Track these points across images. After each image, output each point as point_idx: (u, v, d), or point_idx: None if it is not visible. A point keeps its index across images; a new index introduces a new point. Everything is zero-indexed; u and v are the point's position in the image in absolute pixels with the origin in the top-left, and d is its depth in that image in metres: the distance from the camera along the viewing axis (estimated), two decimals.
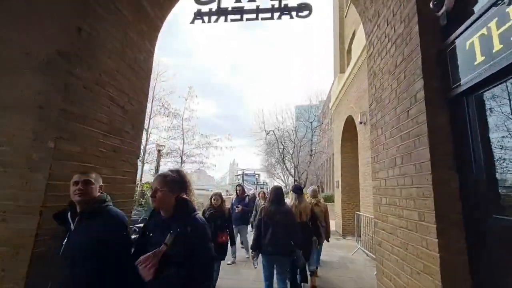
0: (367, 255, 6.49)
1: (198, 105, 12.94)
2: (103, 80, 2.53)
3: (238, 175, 43.25)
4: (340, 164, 10.05)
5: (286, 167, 25.89)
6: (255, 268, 3.67)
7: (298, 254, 3.25)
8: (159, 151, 15.47)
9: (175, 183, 1.67)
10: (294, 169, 23.52)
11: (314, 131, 24.85)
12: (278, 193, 3.44)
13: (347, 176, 9.82)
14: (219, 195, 4.14)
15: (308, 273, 4.17)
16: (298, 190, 4.07)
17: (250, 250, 3.43)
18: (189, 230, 1.56)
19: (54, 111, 2.05)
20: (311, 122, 24.54)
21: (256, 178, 50.90)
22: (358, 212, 7.29)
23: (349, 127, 9.45)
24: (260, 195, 5.91)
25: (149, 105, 10.72)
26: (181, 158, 13.32)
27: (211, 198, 4.15)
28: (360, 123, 7.15)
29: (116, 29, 2.73)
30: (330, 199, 16.90)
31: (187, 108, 12.73)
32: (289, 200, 4.23)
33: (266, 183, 57.18)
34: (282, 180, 39.30)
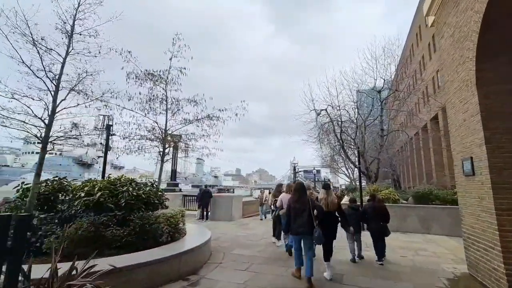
0: None
1: (191, 62, 7.49)
2: None
3: (296, 172, 37.71)
4: (481, 118, 4.05)
5: (348, 156, 19.26)
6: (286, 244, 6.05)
7: (317, 233, 4.23)
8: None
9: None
10: (359, 158, 16.83)
11: (385, 103, 17.55)
12: (298, 187, 4.63)
13: (510, 146, 3.79)
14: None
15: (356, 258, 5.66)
16: (326, 186, 5.25)
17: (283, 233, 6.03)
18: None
19: None
20: (379, 91, 17.31)
21: (314, 174, 44.67)
22: None
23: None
24: None
25: (57, 36, 5.01)
26: (163, 142, 8.30)
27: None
28: None
29: None
30: (423, 198, 10.25)
31: (174, 67, 7.99)
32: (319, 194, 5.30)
33: (328, 179, 49.90)
34: (346, 175, 31.84)
